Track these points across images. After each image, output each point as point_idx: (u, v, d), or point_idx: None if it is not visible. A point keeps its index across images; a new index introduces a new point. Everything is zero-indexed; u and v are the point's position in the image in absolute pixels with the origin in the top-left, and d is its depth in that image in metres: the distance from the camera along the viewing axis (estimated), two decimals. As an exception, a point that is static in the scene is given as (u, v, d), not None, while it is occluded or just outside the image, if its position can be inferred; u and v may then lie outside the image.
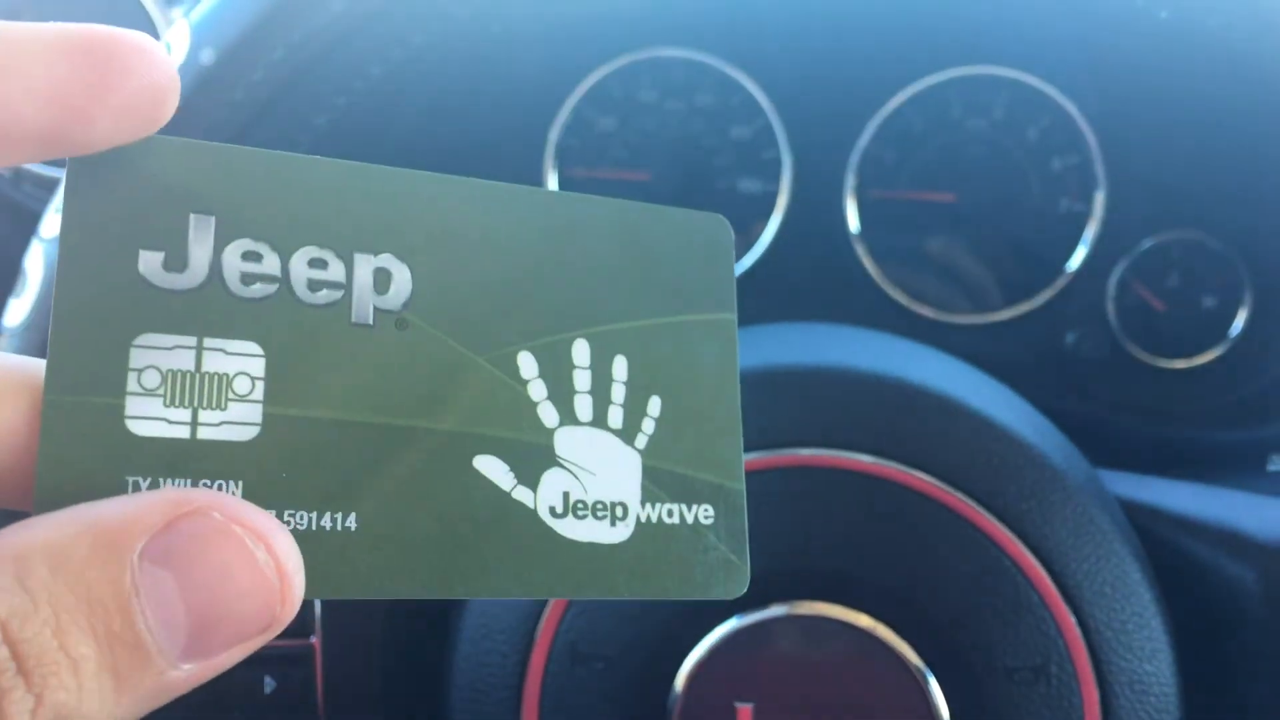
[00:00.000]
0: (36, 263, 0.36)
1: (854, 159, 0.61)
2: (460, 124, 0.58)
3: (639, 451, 0.22)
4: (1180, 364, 0.61)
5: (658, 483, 0.22)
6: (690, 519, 0.22)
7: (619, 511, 0.21)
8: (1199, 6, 0.43)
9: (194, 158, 0.19)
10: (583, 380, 0.21)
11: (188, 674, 0.16)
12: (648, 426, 0.22)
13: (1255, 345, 0.60)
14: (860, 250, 0.61)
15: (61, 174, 0.53)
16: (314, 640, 0.37)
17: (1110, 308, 0.61)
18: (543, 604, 0.35)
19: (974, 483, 0.35)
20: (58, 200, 0.37)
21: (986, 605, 0.35)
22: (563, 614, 0.35)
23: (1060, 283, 0.61)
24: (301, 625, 0.37)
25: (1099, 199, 0.60)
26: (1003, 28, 0.59)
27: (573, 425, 0.21)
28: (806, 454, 0.36)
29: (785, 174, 0.61)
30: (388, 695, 0.39)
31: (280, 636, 0.18)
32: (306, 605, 0.38)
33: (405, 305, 0.20)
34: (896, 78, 0.61)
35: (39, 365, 0.18)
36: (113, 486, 0.18)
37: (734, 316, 0.23)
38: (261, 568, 0.17)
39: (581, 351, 0.21)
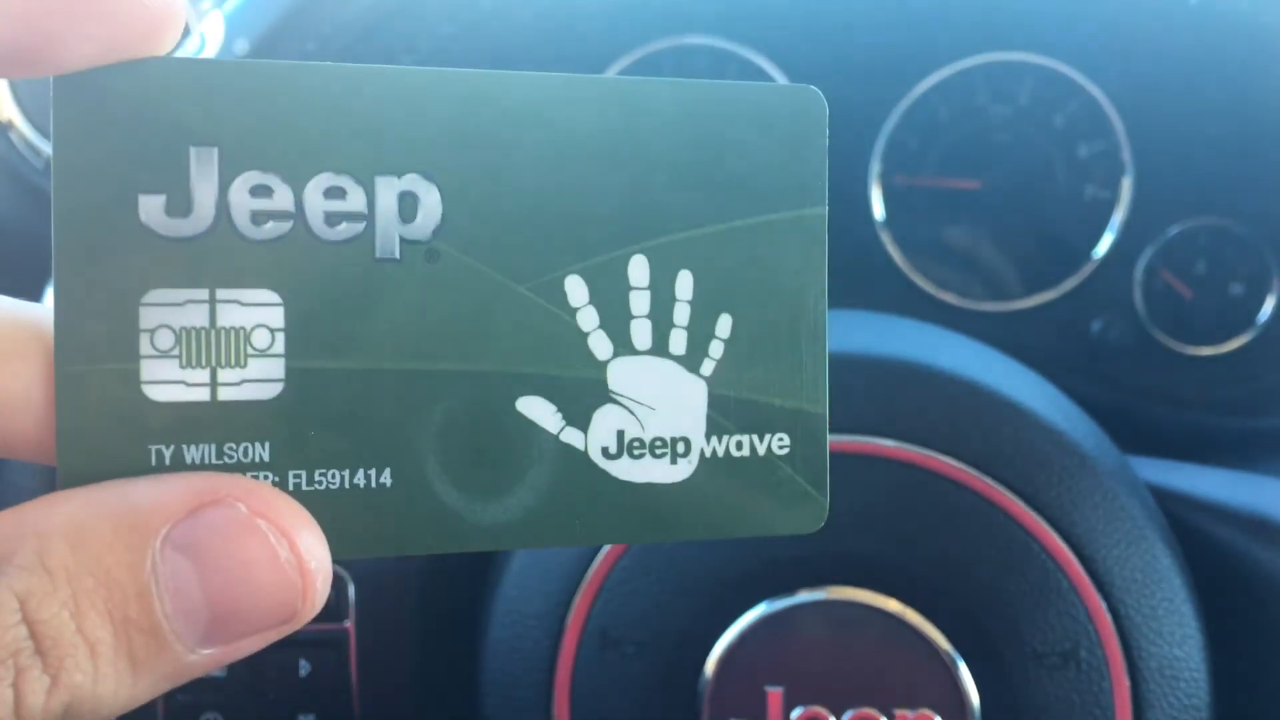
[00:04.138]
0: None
1: (879, 145, 0.61)
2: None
3: (704, 379, 0.19)
4: (1207, 351, 0.61)
5: (725, 413, 0.20)
6: (762, 450, 0.20)
7: (680, 448, 0.19)
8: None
9: (187, 78, 0.17)
10: (640, 303, 0.19)
11: (207, 658, 0.16)
12: (715, 350, 0.20)
13: (1283, 333, 0.60)
14: (885, 237, 0.61)
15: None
16: (348, 625, 0.38)
17: (1137, 295, 0.61)
18: (574, 589, 0.36)
19: (1004, 468, 0.35)
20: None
21: (1016, 590, 0.35)
22: (594, 599, 0.36)
23: (1086, 270, 0.61)
24: (336, 609, 0.38)
25: (1126, 185, 0.60)
26: (1029, 13, 0.59)
27: (629, 355, 0.19)
28: (835, 440, 0.36)
29: (810, 161, 0.61)
30: (421, 680, 0.40)
31: (315, 621, 0.18)
32: (341, 589, 0.38)
33: (435, 233, 0.18)
34: (922, 64, 0.61)
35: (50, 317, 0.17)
36: (136, 457, 0.17)
37: (824, 211, 0.20)
38: (283, 565, 0.16)
39: (639, 269, 0.19)
